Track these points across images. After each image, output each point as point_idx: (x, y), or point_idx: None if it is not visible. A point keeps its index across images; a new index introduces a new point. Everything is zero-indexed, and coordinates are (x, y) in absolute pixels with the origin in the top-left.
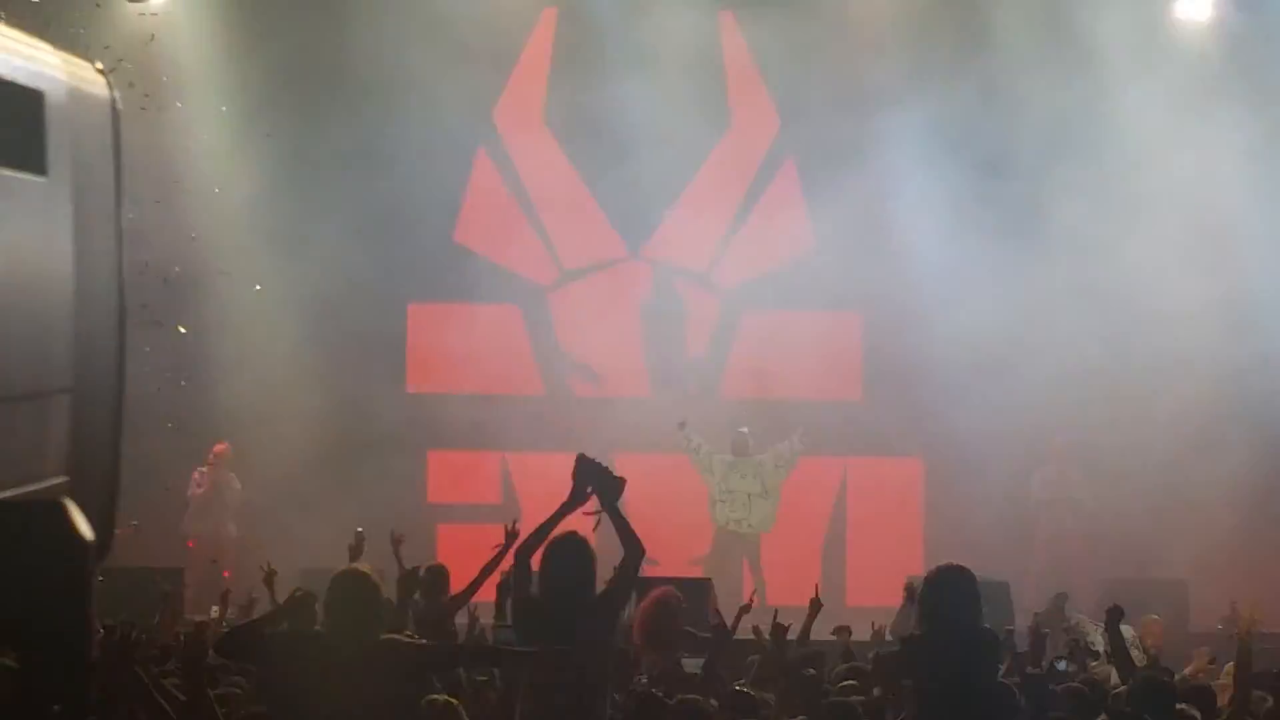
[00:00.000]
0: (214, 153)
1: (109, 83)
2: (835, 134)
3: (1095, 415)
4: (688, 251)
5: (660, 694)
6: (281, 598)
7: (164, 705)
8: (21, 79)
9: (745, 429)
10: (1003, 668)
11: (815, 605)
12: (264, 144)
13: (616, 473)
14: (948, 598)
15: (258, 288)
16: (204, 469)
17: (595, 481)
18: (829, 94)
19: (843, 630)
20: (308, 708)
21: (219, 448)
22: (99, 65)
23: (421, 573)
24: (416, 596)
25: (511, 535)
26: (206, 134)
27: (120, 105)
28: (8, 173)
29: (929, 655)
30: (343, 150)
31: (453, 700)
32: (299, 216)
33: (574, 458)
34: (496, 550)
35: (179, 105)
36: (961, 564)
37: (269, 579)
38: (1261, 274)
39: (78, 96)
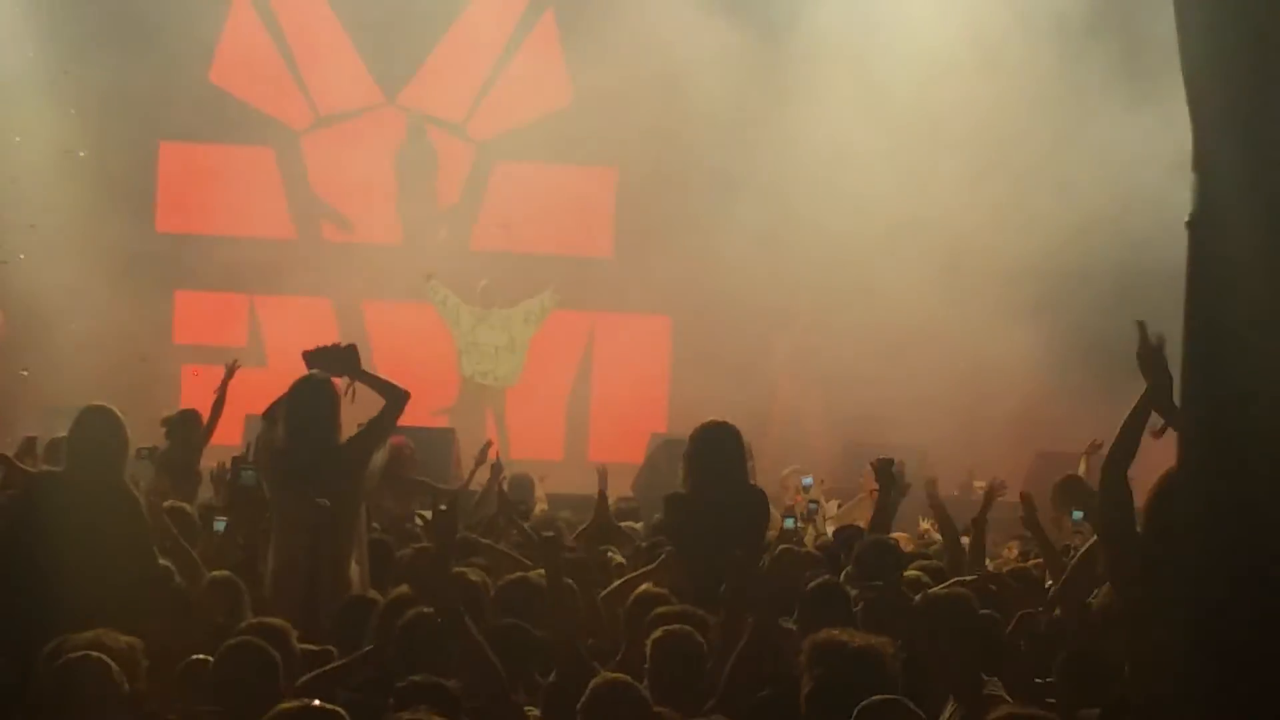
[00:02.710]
0: None
1: None
2: None
3: (841, 279)
4: (444, 101)
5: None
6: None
7: None
8: None
9: (486, 280)
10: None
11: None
12: None
13: (342, 343)
14: (715, 454)
15: None
16: None
17: (329, 363)
18: None
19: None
20: (45, 544)
21: None
22: None
23: (173, 418)
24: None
25: (231, 371)
26: None
27: None
28: None
29: (695, 511)
30: None
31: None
32: (54, 47)
33: (320, 303)
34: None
35: None
36: (727, 420)
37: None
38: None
39: None
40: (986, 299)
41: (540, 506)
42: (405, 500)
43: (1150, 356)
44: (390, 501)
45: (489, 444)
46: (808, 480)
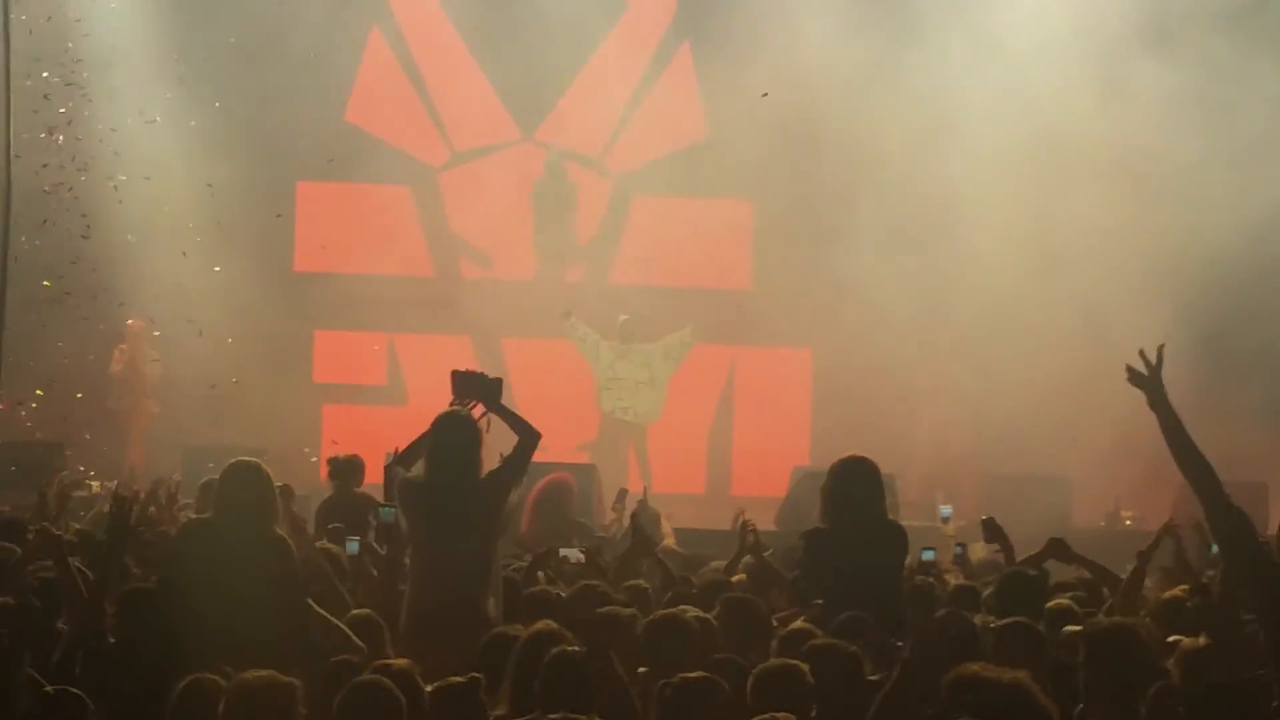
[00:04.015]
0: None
1: None
2: (732, 19)
3: (982, 309)
4: (580, 135)
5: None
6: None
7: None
8: None
9: (626, 316)
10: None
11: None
12: (153, 20)
13: (491, 373)
14: (853, 489)
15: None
16: (123, 346)
17: (472, 391)
18: None
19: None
20: (196, 590)
21: (130, 323)
22: None
23: (337, 462)
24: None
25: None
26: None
27: None
28: None
29: (834, 548)
30: (236, 29)
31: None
32: (191, 90)
33: (459, 341)
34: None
35: None
36: (865, 455)
37: (154, 491)
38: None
39: None
40: (1131, 325)
41: (667, 541)
42: (562, 541)
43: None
44: (536, 541)
45: (624, 492)
46: (946, 510)
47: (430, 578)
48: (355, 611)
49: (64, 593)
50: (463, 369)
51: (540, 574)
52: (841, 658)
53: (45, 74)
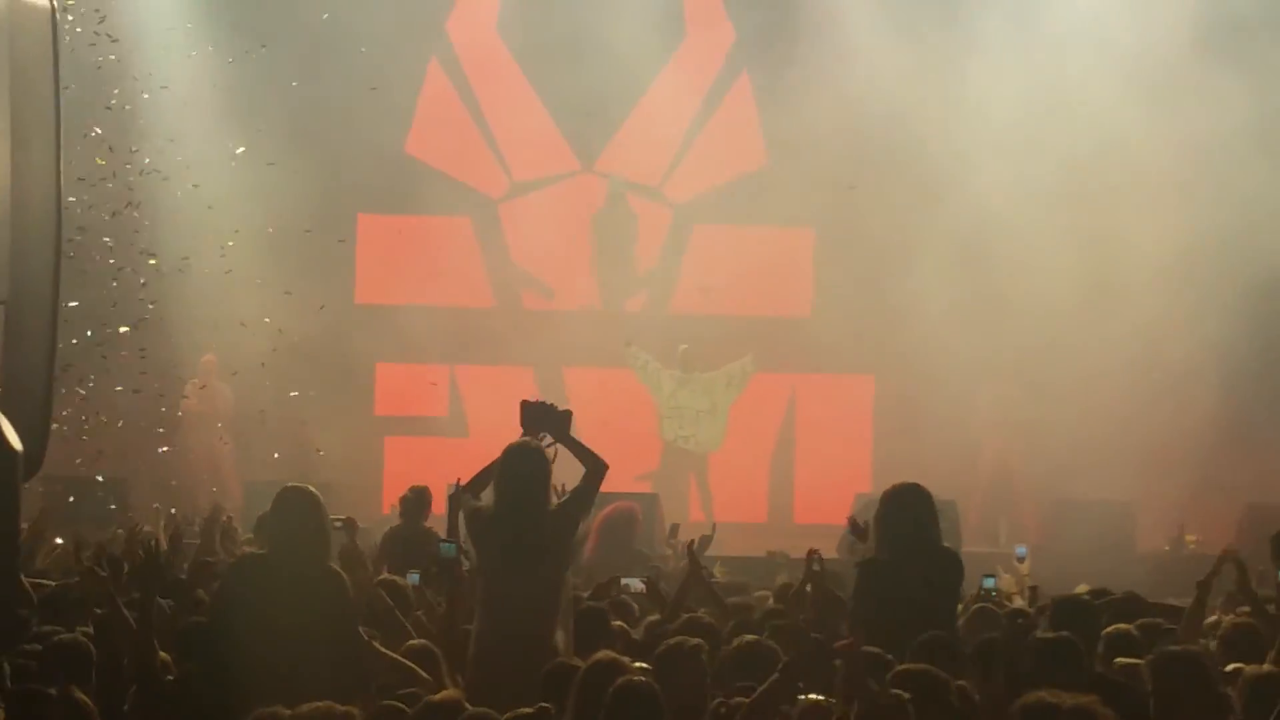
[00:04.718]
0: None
1: None
2: (790, 47)
3: (1042, 334)
4: (640, 165)
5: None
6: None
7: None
8: None
9: (686, 345)
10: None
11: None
12: (211, 53)
13: (561, 405)
14: (906, 517)
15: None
16: (196, 380)
17: (541, 422)
18: (784, 5)
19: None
20: (248, 626)
21: (205, 359)
22: None
23: (408, 495)
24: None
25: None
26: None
27: (59, 14)
28: None
29: (888, 577)
30: (294, 60)
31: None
32: (248, 126)
33: (521, 371)
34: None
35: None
36: (917, 482)
37: (213, 518)
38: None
39: (17, 5)
40: (1192, 347)
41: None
42: (622, 570)
43: None
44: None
45: (675, 527)
46: (1022, 550)
47: (498, 609)
48: (411, 642)
49: (117, 631)
50: (532, 400)
51: (635, 605)
52: (930, 683)
53: (107, 106)
